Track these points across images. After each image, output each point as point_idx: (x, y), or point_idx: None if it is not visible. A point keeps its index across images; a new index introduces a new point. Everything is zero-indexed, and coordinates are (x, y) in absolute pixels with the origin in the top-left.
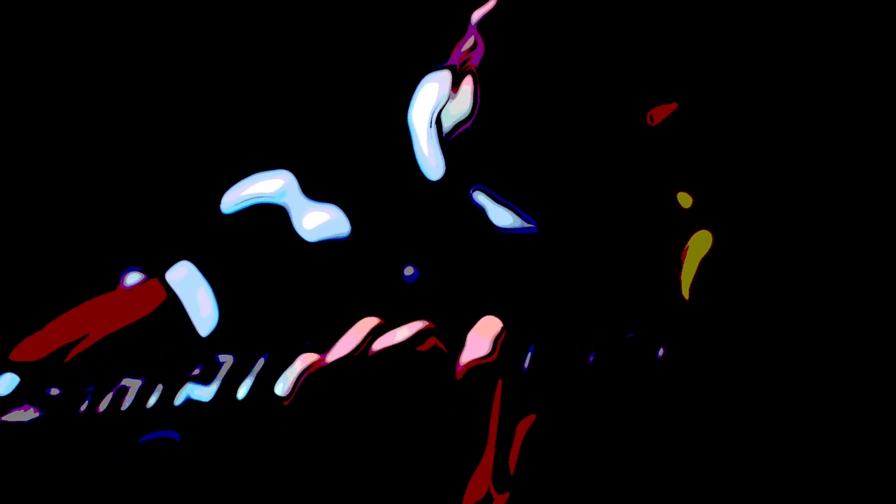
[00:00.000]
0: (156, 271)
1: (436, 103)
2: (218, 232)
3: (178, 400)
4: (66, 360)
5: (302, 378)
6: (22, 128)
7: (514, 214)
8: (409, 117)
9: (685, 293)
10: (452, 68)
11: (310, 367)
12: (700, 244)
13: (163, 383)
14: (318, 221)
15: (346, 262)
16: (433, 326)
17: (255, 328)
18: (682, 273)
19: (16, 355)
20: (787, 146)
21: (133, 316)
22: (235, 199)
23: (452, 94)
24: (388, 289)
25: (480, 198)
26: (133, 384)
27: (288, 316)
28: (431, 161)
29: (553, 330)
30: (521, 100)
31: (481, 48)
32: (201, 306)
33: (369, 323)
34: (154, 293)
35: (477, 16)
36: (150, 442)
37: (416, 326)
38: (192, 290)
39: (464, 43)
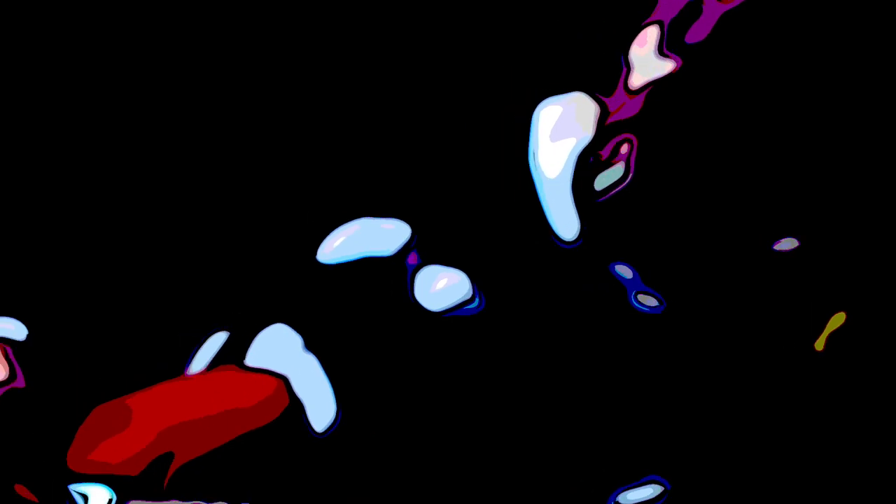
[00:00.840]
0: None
1: (573, 145)
2: (315, 287)
3: None
4: (165, 485)
5: None
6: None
7: (653, 297)
8: (532, 158)
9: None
10: (600, 107)
11: None
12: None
13: None
14: (441, 285)
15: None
16: None
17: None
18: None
19: (77, 458)
20: None
21: (242, 423)
22: (336, 248)
23: (593, 136)
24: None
25: (623, 271)
26: None
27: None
28: (563, 217)
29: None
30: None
31: (640, 100)
32: (313, 390)
33: None
34: (274, 393)
35: (648, 71)
36: None
37: None
38: (297, 366)
39: (622, 89)
